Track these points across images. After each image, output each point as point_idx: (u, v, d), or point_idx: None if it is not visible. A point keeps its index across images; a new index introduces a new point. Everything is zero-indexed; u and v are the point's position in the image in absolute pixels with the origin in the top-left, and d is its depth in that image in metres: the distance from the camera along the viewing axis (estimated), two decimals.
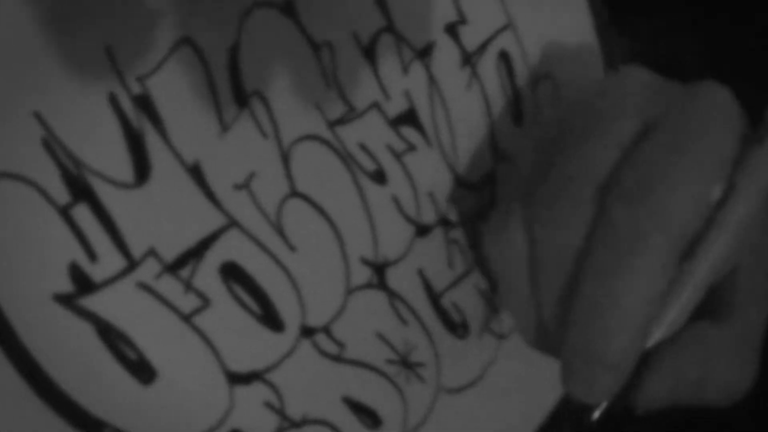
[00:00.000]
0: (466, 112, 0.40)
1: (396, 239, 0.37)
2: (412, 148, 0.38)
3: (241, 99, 0.32)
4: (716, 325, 0.35)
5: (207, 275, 0.31)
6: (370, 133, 0.36)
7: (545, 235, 0.34)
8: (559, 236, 0.34)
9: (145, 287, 0.29)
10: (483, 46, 0.41)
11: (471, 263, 0.41)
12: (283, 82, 0.33)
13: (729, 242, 0.33)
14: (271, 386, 0.33)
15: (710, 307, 0.34)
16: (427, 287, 0.39)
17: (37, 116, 0.27)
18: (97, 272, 0.28)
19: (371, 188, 0.36)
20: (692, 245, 0.32)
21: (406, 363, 0.38)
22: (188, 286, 0.30)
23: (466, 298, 0.41)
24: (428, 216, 0.39)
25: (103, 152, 0.28)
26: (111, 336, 0.28)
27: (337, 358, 0.35)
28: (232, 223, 0.31)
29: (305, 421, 0.34)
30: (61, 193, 0.27)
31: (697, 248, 0.33)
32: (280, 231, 0.33)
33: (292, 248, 0.33)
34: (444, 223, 0.40)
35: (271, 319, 0.33)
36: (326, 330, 0.35)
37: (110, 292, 0.28)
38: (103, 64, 0.28)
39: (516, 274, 0.36)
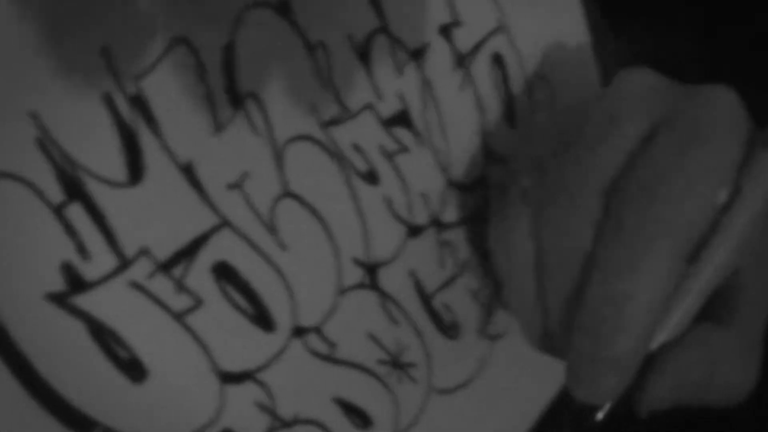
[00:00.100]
0: (459, 113, 0.40)
1: (388, 240, 0.37)
2: (404, 149, 0.38)
3: (236, 99, 0.32)
4: (719, 328, 0.35)
5: (199, 275, 0.31)
6: (363, 134, 0.36)
7: (552, 238, 0.35)
8: (566, 240, 0.34)
9: (137, 286, 0.29)
10: (477, 48, 0.41)
11: (463, 264, 0.41)
12: (278, 83, 0.33)
13: (733, 246, 0.33)
14: (263, 386, 0.33)
15: (713, 308, 0.35)
16: (419, 288, 0.39)
17: (32, 116, 0.27)
18: (89, 271, 0.28)
19: (364, 189, 0.36)
20: (697, 248, 0.33)
21: (397, 363, 0.38)
22: (180, 286, 0.30)
23: (458, 299, 0.41)
24: (420, 217, 0.39)
25: (98, 152, 0.28)
26: (103, 335, 0.28)
27: (329, 359, 0.35)
28: (225, 222, 0.31)
29: (296, 421, 0.34)
30: (55, 192, 0.27)
31: (702, 251, 0.33)
32: (272, 231, 0.33)
33: (284, 248, 0.33)
34: (436, 224, 0.40)
35: (262, 318, 0.33)
36: (318, 330, 0.35)
37: (103, 291, 0.28)
38: (98, 64, 0.28)
39: (522, 277, 0.36)
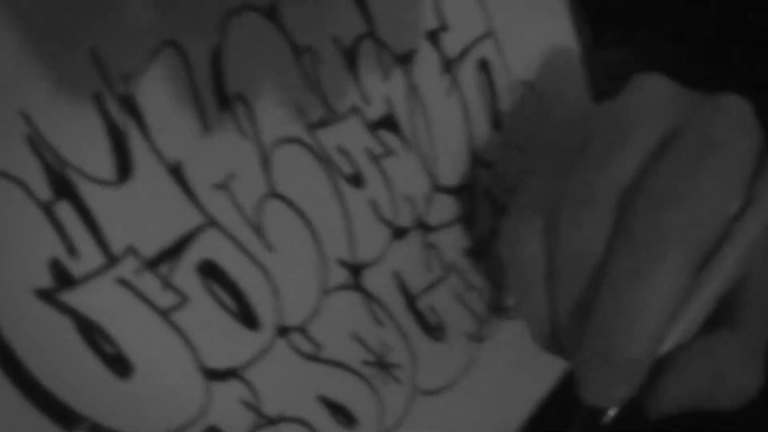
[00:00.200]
0: (445, 118, 0.41)
1: (373, 241, 0.38)
2: (390, 152, 0.38)
3: (224, 101, 0.32)
4: (727, 333, 0.35)
5: (186, 273, 0.31)
6: (350, 137, 0.36)
7: (564, 245, 0.35)
8: (578, 247, 0.34)
9: (124, 283, 0.29)
10: (464, 54, 0.41)
11: (448, 267, 0.41)
12: (265, 86, 0.33)
13: (744, 255, 0.33)
14: (247, 383, 0.33)
15: (720, 313, 0.35)
16: (404, 289, 0.39)
17: (23, 114, 0.27)
18: (77, 268, 0.28)
19: (349, 191, 0.36)
20: (708, 256, 0.33)
21: (382, 364, 0.38)
22: (167, 284, 0.31)
23: (443, 302, 0.41)
24: (405, 219, 0.39)
25: (87, 151, 0.29)
26: (90, 330, 0.29)
27: (313, 358, 0.35)
28: (211, 222, 0.32)
29: (282, 419, 0.34)
30: (44, 190, 0.28)
31: (712, 260, 0.33)
32: (258, 231, 0.33)
33: (269, 248, 0.33)
34: (421, 226, 0.40)
35: (247, 317, 0.33)
36: (302, 329, 0.35)
37: (90, 287, 0.29)
38: (88, 64, 0.28)
39: (532, 280, 0.36)
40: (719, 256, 0.33)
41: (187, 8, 0.31)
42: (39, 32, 0.27)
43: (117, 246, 0.29)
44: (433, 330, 0.41)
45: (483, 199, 0.43)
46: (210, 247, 0.32)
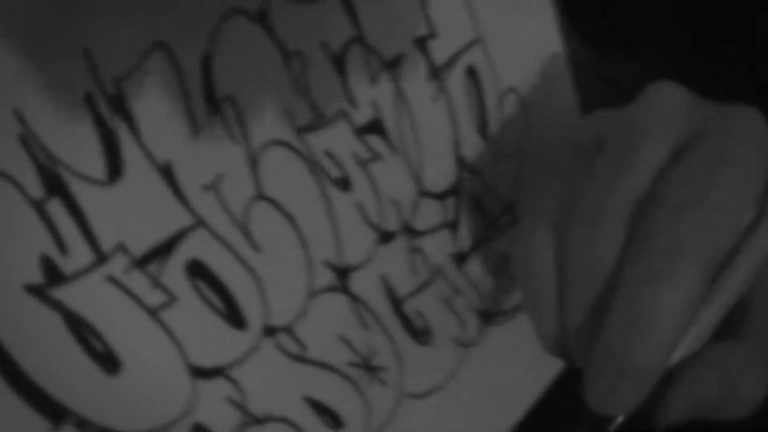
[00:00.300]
0: (432, 123, 0.41)
1: (359, 245, 0.38)
2: (377, 157, 0.38)
3: (213, 103, 0.32)
4: (737, 342, 0.35)
5: (174, 272, 0.31)
6: (337, 141, 0.37)
7: (577, 253, 0.35)
8: (591, 255, 0.34)
9: (113, 281, 0.30)
10: (452, 60, 0.41)
11: (435, 272, 0.42)
12: (254, 89, 0.33)
13: (756, 267, 0.34)
14: (234, 382, 0.33)
15: (729, 322, 0.35)
16: (390, 293, 0.39)
17: (16, 113, 0.27)
18: (67, 265, 0.29)
19: (336, 194, 0.37)
20: (720, 268, 0.33)
21: (368, 366, 0.38)
22: (155, 282, 0.31)
23: (430, 306, 0.42)
24: (391, 223, 0.39)
25: (78, 150, 0.29)
26: (79, 327, 0.29)
27: (299, 359, 0.36)
28: (200, 222, 0.32)
29: (268, 419, 0.34)
30: (36, 188, 0.28)
31: (724, 271, 0.33)
32: (245, 232, 0.33)
33: (257, 249, 0.34)
34: (408, 231, 0.40)
35: (234, 316, 0.33)
36: (289, 330, 0.35)
37: (80, 284, 0.29)
38: (81, 65, 0.29)
39: (542, 288, 0.36)
40: (731, 269, 0.33)
41: (179, 11, 0.31)
42: (33, 33, 0.27)
43: (107, 244, 0.30)
44: (420, 334, 0.41)
45: (470, 205, 0.43)
46: (198, 247, 0.32)
